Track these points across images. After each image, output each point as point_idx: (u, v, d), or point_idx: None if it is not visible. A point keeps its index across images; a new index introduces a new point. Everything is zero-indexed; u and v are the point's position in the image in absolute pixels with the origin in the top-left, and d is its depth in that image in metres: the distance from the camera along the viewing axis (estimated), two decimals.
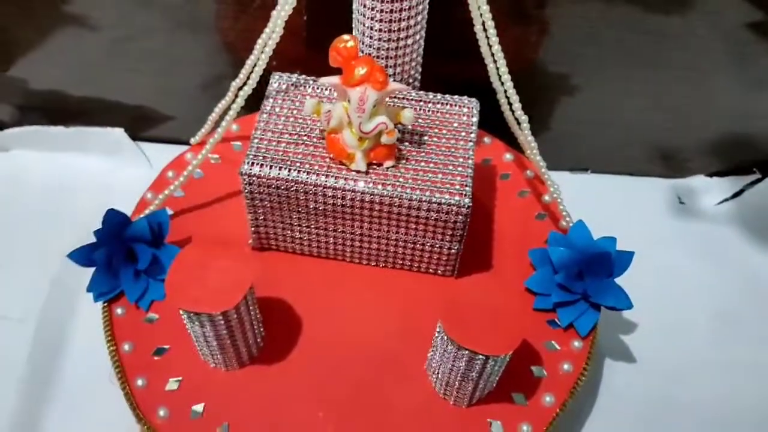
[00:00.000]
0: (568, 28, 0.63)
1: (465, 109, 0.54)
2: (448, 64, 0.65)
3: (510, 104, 0.55)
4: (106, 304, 0.55)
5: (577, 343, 0.54)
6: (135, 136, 0.75)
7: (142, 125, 0.75)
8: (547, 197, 0.62)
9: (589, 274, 0.54)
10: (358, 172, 0.50)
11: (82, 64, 0.70)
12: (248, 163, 0.50)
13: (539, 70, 0.67)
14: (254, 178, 0.51)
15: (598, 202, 0.70)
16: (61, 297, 0.64)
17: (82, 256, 0.53)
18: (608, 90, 0.69)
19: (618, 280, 0.55)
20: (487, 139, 0.65)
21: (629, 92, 0.69)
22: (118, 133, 0.74)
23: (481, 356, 0.45)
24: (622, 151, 0.75)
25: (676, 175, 0.76)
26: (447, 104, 0.55)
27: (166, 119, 0.75)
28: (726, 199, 0.75)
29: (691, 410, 0.61)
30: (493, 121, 0.59)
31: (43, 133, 0.73)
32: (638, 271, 0.57)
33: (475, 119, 0.54)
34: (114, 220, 0.54)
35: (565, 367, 0.53)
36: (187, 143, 0.64)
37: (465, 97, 0.55)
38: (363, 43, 0.53)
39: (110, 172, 0.73)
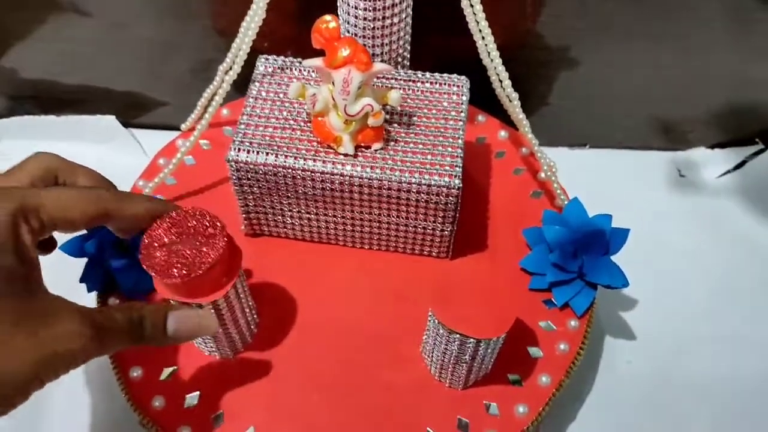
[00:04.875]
0: (563, 1, 0.62)
1: (455, 88, 0.53)
2: (441, 40, 0.63)
3: (500, 81, 0.54)
4: (100, 295, 0.54)
5: (573, 323, 0.54)
6: (128, 123, 0.74)
7: (135, 112, 0.74)
8: (542, 175, 0.61)
9: (585, 253, 0.53)
10: (346, 155, 0.49)
11: (72, 52, 0.69)
12: (235, 149, 0.50)
13: (535, 44, 0.66)
14: (241, 165, 0.50)
15: (597, 178, 0.69)
16: (58, 288, 0.63)
17: (73, 247, 0.53)
18: (605, 63, 0.67)
19: (617, 256, 0.54)
20: (481, 117, 0.64)
21: (627, 64, 0.67)
22: (110, 120, 0.73)
23: (472, 340, 0.44)
24: (620, 124, 0.73)
25: (677, 148, 0.74)
26: (436, 83, 0.53)
27: (159, 105, 0.74)
28: (728, 171, 0.73)
29: (693, 386, 0.60)
30: (490, 99, 0.58)
31: (34, 122, 0.73)
32: (638, 247, 0.56)
33: (465, 98, 0.53)
34: None
35: (562, 347, 0.52)
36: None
37: (454, 75, 0.54)
38: (348, 23, 0.52)
39: (103, 160, 0.71)
